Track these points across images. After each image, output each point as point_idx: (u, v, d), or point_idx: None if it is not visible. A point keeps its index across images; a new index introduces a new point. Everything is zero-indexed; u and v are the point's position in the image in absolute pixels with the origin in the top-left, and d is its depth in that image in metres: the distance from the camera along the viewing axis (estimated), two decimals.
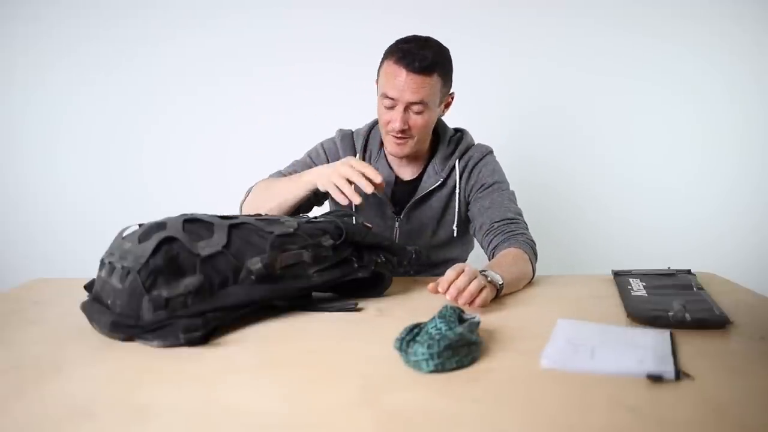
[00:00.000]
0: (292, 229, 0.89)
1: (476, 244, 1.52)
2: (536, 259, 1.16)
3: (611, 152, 1.97)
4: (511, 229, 1.20)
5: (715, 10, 1.87)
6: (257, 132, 2.00)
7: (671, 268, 1.11)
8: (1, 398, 0.60)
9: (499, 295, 0.95)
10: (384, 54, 1.23)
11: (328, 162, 1.32)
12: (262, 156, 1.97)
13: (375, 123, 1.35)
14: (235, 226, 0.86)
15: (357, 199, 1.07)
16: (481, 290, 0.88)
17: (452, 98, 1.30)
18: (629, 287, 0.98)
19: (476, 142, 1.38)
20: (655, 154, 1.96)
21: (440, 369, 0.64)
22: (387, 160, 1.34)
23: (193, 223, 0.84)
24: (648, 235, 1.96)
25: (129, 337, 0.76)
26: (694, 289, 0.96)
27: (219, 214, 0.90)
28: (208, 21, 1.96)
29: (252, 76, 1.98)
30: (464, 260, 1.45)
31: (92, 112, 2.01)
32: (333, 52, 1.95)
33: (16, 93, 2.00)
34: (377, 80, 1.26)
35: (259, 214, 1.02)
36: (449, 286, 0.87)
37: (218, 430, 0.53)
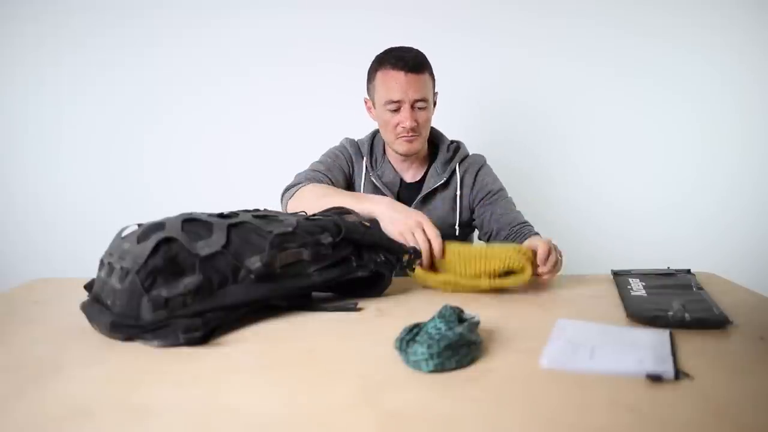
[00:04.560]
0: (291, 228, 0.89)
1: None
2: None
3: (611, 152, 1.97)
4: (528, 230, 1.32)
5: (715, 10, 1.87)
6: (259, 132, 2.00)
7: (671, 267, 1.11)
8: (1, 398, 0.60)
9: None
10: (372, 69, 1.34)
11: (348, 166, 1.42)
12: (263, 156, 1.98)
13: (376, 132, 1.45)
14: (234, 225, 0.86)
15: (426, 264, 1.05)
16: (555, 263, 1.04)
17: (437, 96, 1.41)
18: (629, 287, 0.98)
19: (470, 152, 1.48)
20: (655, 153, 1.96)
21: (440, 369, 0.64)
22: (392, 164, 1.43)
23: (192, 222, 0.84)
24: (648, 235, 1.96)
25: (129, 337, 0.76)
26: (694, 288, 0.96)
27: (218, 212, 0.90)
28: (209, 21, 1.96)
29: (254, 76, 1.98)
30: None
31: (93, 112, 2.01)
32: (336, 53, 1.95)
33: (17, 93, 2.00)
34: (371, 95, 1.36)
35: (258, 210, 1.02)
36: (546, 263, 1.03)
37: (218, 430, 0.53)
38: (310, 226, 0.92)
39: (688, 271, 1.09)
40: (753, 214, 1.94)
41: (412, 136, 1.31)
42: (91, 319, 0.80)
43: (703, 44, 1.90)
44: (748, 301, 0.95)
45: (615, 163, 1.97)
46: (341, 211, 1.07)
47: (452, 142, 1.46)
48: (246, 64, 1.97)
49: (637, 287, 0.98)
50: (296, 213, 1.09)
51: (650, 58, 1.91)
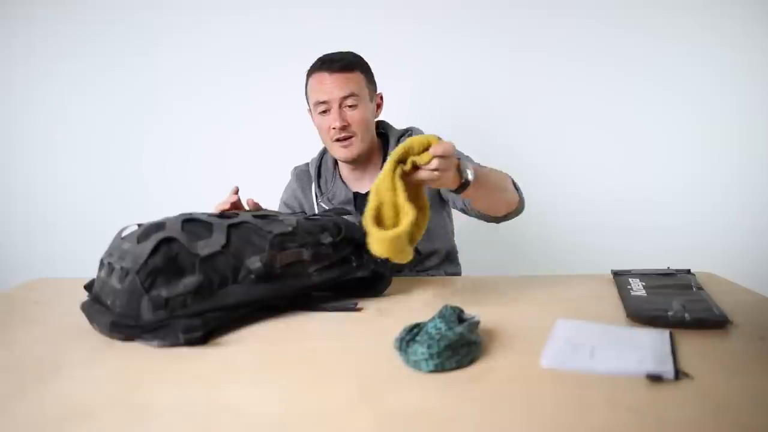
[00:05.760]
0: (291, 228, 0.89)
1: (456, 233, 1.49)
2: (520, 191, 1.20)
3: (611, 152, 1.97)
4: None
5: (715, 10, 1.87)
6: (259, 132, 2.00)
7: (671, 267, 1.11)
8: (1, 398, 0.60)
9: (465, 188, 0.92)
10: (305, 76, 1.31)
11: (298, 204, 1.41)
12: (263, 156, 1.98)
13: (324, 150, 1.40)
14: (234, 225, 0.86)
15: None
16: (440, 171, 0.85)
17: (382, 99, 1.37)
18: (629, 287, 0.98)
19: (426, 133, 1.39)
20: (655, 153, 1.96)
21: (440, 369, 0.64)
22: (343, 181, 1.38)
23: (192, 223, 0.84)
24: (648, 235, 1.96)
25: (129, 337, 0.76)
26: (694, 288, 0.96)
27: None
28: (209, 21, 1.96)
29: (254, 76, 1.98)
30: (449, 248, 1.42)
31: (92, 112, 2.01)
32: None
33: (17, 93, 2.00)
34: (308, 106, 1.33)
35: (259, 209, 1.02)
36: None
37: (218, 430, 0.53)
38: (310, 226, 0.92)
39: (688, 271, 1.09)
40: (753, 214, 1.94)
41: (345, 138, 1.26)
42: (91, 319, 0.80)
43: (703, 44, 1.89)
44: (748, 301, 0.95)
45: (615, 163, 1.97)
46: (341, 212, 1.08)
47: (406, 131, 1.38)
48: (246, 64, 1.97)
49: (637, 287, 0.98)
50: (295, 213, 1.09)
51: (650, 58, 1.91)
